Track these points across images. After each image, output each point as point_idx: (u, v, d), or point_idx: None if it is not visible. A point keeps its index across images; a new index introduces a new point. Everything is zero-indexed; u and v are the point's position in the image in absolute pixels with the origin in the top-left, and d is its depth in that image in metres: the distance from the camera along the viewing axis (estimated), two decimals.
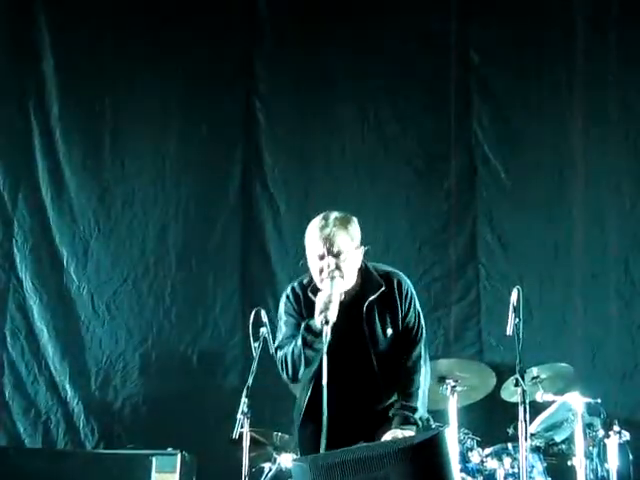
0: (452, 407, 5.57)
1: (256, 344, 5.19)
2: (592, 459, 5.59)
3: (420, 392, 4.17)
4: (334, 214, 4.13)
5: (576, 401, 5.41)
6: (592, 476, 5.54)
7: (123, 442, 6.42)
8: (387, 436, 3.98)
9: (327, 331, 3.93)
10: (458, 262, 6.91)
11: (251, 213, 7.09)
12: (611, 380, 6.41)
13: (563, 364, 5.79)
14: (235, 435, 4.87)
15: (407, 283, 4.24)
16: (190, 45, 7.18)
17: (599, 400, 5.52)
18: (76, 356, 6.87)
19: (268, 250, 6.98)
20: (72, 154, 7.16)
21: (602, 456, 5.60)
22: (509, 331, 4.79)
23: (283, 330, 4.28)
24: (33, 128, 7.16)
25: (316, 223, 4.11)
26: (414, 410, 4.10)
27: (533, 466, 5.61)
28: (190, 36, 7.19)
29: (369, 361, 4.14)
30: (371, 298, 4.15)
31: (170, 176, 7.11)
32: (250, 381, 5.04)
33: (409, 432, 3.98)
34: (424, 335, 4.29)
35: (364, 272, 4.20)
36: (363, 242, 4.16)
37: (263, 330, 5.24)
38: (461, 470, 5.51)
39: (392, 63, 7.12)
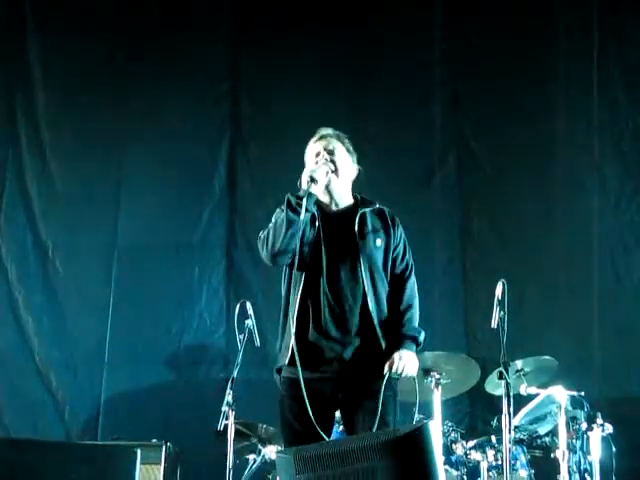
0: (436, 399, 5.57)
1: (241, 336, 5.23)
2: (575, 451, 5.61)
3: (415, 321, 4.32)
4: (330, 129, 4.32)
5: (560, 394, 5.44)
6: (575, 468, 5.57)
7: (108, 434, 6.43)
8: (394, 358, 4.11)
9: (311, 190, 4.05)
10: (444, 256, 6.93)
11: (236, 206, 7.08)
12: (595, 373, 6.44)
13: (547, 357, 5.81)
14: (220, 427, 4.90)
15: (398, 220, 4.38)
16: (175, 43, 7.19)
17: (583, 393, 5.56)
18: (62, 348, 6.86)
19: (254, 243, 6.97)
20: (58, 144, 7.13)
21: (585, 449, 5.62)
22: (494, 324, 4.82)
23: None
24: (18, 118, 7.15)
25: (314, 136, 4.31)
26: (415, 335, 4.26)
27: (516, 458, 5.64)
28: (174, 36, 7.20)
29: (357, 266, 4.17)
30: (365, 210, 4.27)
31: (156, 169, 7.09)
32: (235, 373, 5.07)
33: (409, 352, 4.17)
34: (413, 268, 4.39)
35: (359, 196, 4.34)
36: None
37: (248, 322, 5.27)
38: (445, 462, 5.53)
39: (377, 59, 7.13)
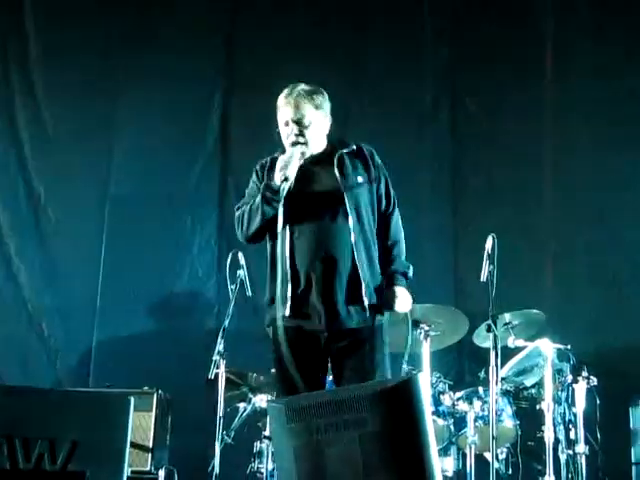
0: (425, 351, 5.64)
1: (233, 286, 5.27)
2: (560, 403, 5.70)
3: (403, 255, 4.36)
4: (301, 85, 4.24)
5: (546, 347, 5.51)
6: (560, 420, 5.66)
7: (100, 382, 6.48)
8: (388, 294, 4.19)
9: (285, 187, 4.05)
10: (433, 210, 6.95)
11: (229, 157, 7.08)
12: (581, 327, 6.51)
13: (535, 311, 5.86)
14: (211, 375, 4.95)
15: (377, 155, 4.36)
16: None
17: (569, 346, 5.62)
18: (54, 295, 6.87)
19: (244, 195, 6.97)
20: (51, 91, 7.10)
21: (570, 400, 5.70)
22: (483, 278, 4.87)
23: (245, 194, 4.37)
24: (10, 66, 7.11)
25: (284, 91, 4.23)
26: (404, 271, 4.31)
27: (503, 409, 5.72)
28: None
29: (342, 204, 4.16)
30: (343, 151, 4.26)
31: (149, 119, 7.06)
32: (226, 323, 5.12)
33: (402, 288, 4.25)
34: (396, 202, 4.39)
35: (336, 140, 4.32)
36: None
37: (240, 272, 5.31)
38: (433, 412, 5.61)
39: (374, 10, 7.11)
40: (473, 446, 5.57)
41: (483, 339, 5.69)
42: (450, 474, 5.74)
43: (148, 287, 6.86)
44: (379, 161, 4.35)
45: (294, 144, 4.14)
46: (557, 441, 5.57)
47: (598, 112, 6.90)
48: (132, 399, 3.55)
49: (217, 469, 5.00)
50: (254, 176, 4.35)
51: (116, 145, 7.05)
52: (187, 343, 6.58)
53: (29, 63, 7.12)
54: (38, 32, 7.15)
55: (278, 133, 4.26)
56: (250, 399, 5.81)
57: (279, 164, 4.10)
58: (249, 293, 5.31)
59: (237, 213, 4.32)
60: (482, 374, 5.71)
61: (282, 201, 4.05)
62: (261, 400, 5.72)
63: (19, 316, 6.83)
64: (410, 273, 4.35)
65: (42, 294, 6.88)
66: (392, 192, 4.38)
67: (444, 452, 5.71)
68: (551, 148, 6.95)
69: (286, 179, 4.05)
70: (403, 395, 3.23)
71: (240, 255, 5.33)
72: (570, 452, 5.62)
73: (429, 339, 5.68)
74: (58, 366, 6.76)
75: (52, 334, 6.80)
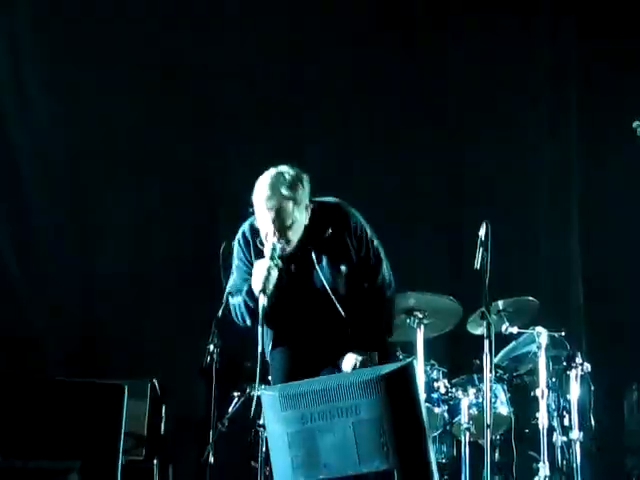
0: (419, 339, 5.65)
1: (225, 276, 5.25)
2: (554, 390, 5.72)
3: (382, 316, 4.22)
4: (281, 179, 4.07)
5: (540, 334, 5.51)
6: (554, 406, 5.67)
7: (93, 371, 6.48)
8: (345, 363, 4.06)
9: (264, 301, 4.00)
10: (426, 199, 6.95)
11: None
12: (575, 313, 6.52)
13: (529, 298, 5.87)
14: (205, 364, 4.94)
15: (354, 216, 4.22)
16: None
17: (563, 333, 5.64)
18: (46, 286, 6.84)
19: (237, 182, 6.93)
20: (41, 77, 6.99)
21: (564, 387, 5.72)
22: (477, 265, 4.86)
23: (234, 275, 4.32)
24: None
25: (263, 189, 4.07)
26: (371, 335, 4.14)
27: (497, 396, 5.73)
28: None
29: (330, 301, 4.14)
30: (319, 242, 4.15)
31: (142, 99, 6.94)
32: (220, 312, 5.09)
33: (361, 357, 4.04)
34: (383, 261, 4.27)
35: (310, 216, 4.16)
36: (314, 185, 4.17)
37: None
38: (427, 400, 5.61)
39: None
40: (467, 433, 5.58)
41: (477, 326, 5.69)
42: (445, 461, 5.76)
43: (141, 277, 6.81)
44: (362, 230, 4.22)
45: (272, 258, 4.04)
46: (551, 428, 5.59)
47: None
48: (126, 388, 3.55)
49: (212, 458, 5.00)
50: (238, 251, 4.28)
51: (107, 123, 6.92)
52: (181, 332, 6.58)
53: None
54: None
55: (252, 212, 4.15)
56: (245, 388, 5.81)
57: (256, 275, 4.03)
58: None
59: (230, 301, 4.31)
60: (476, 361, 5.70)
61: (262, 314, 4.02)
62: (256, 388, 5.70)
63: (11, 307, 6.78)
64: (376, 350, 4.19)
65: (34, 285, 6.83)
66: (376, 253, 4.26)
67: (439, 439, 5.73)
68: (544, 135, 6.95)
69: (264, 292, 4.01)
70: (396, 382, 3.23)
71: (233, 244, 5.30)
72: (564, 438, 5.63)
73: (423, 327, 5.68)
74: (49, 356, 6.73)
75: (45, 325, 6.76)
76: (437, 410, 5.71)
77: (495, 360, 5.54)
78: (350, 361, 4.06)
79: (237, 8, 7.05)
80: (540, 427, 5.37)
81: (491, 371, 4.84)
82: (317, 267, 4.14)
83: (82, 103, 6.83)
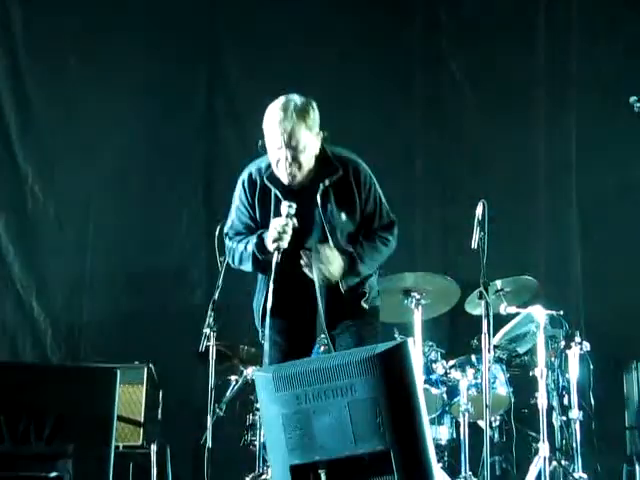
0: (417, 320, 5.62)
1: (222, 258, 5.21)
2: (553, 370, 5.70)
3: (375, 247, 4.20)
4: (292, 104, 4.05)
5: (539, 313, 5.49)
6: (553, 386, 5.66)
7: (90, 357, 6.47)
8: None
9: (277, 258, 3.99)
10: (423, 178, 6.92)
11: (216, 129, 7.01)
12: (574, 293, 6.49)
13: (527, 277, 5.85)
14: (202, 348, 4.91)
15: (364, 169, 4.21)
16: None
17: (561, 312, 5.61)
18: (42, 273, 6.83)
19: (234, 166, 6.90)
20: (37, 72, 7.00)
21: (563, 367, 5.71)
22: (474, 245, 4.83)
23: (233, 216, 4.31)
24: None
25: (275, 113, 4.05)
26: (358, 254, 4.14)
27: (496, 377, 5.72)
28: None
29: (325, 239, 4.12)
30: (326, 183, 4.12)
31: (135, 95, 6.98)
32: (216, 295, 5.07)
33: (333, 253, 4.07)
34: (390, 217, 4.28)
35: (321, 156, 4.15)
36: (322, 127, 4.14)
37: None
38: (425, 381, 5.61)
39: None
40: (467, 414, 5.56)
41: (475, 306, 5.67)
42: (444, 442, 5.74)
43: (137, 262, 6.81)
44: (367, 181, 4.20)
45: (288, 216, 4.01)
46: (551, 407, 5.58)
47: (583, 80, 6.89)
48: (118, 372, 3.52)
49: (209, 442, 4.96)
50: (241, 193, 4.25)
51: (103, 120, 6.95)
52: (177, 317, 6.56)
53: (15, 40, 7.00)
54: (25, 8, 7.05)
55: (263, 145, 4.12)
56: (241, 372, 5.80)
57: (271, 232, 4.01)
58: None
59: (227, 242, 4.30)
60: (474, 342, 5.69)
61: (274, 272, 4.00)
62: (252, 372, 5.69)
63: (8, 294, 6.78)
64: (360, 268, 4.19)
65: (31, 273, 6.82)
66: (384, 209, 4.26)
67: (438, 421, 5.71)
68: (543, 114, 6.91)
69: (279, 250, 4.00)
70: (392, 361, 3.19)
71: None
72: (564, 418, 5.63)
73: (420, 307, 5.65)
74: (48, 344, 6.72)
75: (42, 311, 6.75)
76: (436, 391, 5.69)
77: (494, 340, 5.51)
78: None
79: None
80: (539, 407, 5.34)
81: (490, 351, 4.80)
82: (320, 208, 4.11)
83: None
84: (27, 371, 3.69)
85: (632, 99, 4.64)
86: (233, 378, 5.84)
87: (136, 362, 5.89)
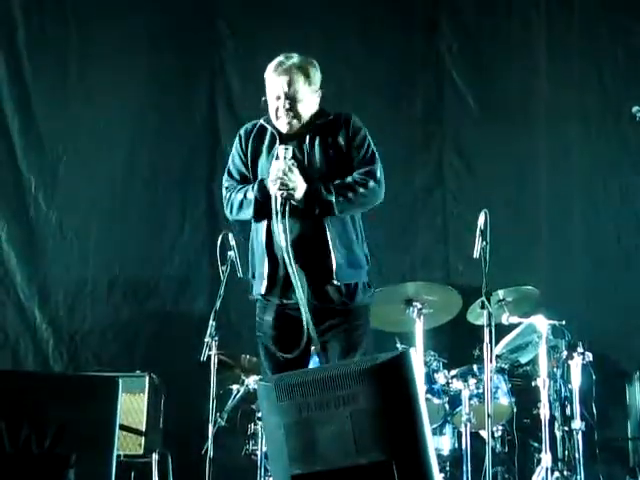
0: (419, 329, 5.61)
1: (224, 268, 5.22)
2: (556, 380, 5.69)
3: (352, 187, 4.11)
4: (295, 56, 4.19)
5: (541, 323, 5.48)
6: (555, 396, 5.64)
7: (92, 366, 6.47)
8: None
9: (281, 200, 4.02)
10: (424, 188, 6.92)
11: (218, 137, 7.02)
12: (576, 302, 6.48)
13: (529, 287, 5.84)
14: (203, 358, 4.91)
15: (357, 119, 4.25)
16: None
17: (564, 322, 5.60)
18: (44, 282, 6.82)
19: None
20: (39, 76, 7.02)
21: (565, 377, 5.70)
22: (476, 254, 4.82)
23: (230, 166, 4.34)
24: None
25: (276, 64, 4.18)
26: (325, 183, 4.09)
27: (498, 387, 5.70)
28: None
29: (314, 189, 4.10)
30: (316, 122, 4.18)
31: (137, 100, 7.00)
32: (218, 304, 5.07)
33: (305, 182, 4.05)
34: (376, 157, 4.23)
35: (318, 112, 4.24)
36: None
37: (230, 254, 5.26)
38: (427, 391, 5.59)
39: None
40: (468, 424, 5.54)
41: (477, 316, 5.66)
42: (446, 453, 5.72)
43: (139, 271, 6.82)
44: (357, 125, 4.23)
45: (286, 158, 4.03)
46: (553, 418, 5.57)
47: (585, 90, 6.89)
48: (120, 381, 3.51)
49: (211, 452, 4.97)
50: (237, 144, 4.31)
51: (104, 129, 6.97)
52: (179, 326, 6.57)
53: (18, 48, 7.02)
54: (26, 18, 7.06)
55: (265, 101, 4.21)
56: (243, 381, 5.78)
57: (273, 173, 4.02)
58: (240, 274, 5.26)
59: (225, 194, 4.30)
60: (476, 352, 5.67)
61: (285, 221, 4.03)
62: (254, 382, 5.68)
63: (9, 303, 6.77)
64: (332, 198, 4.10)
65: (32, 281, 6.82)
66: (370, 150, 4.22)
67: (439, 431, 5.69)
68: (544, 121, 6.91)
69: (288, 198, 4.04)
70: (395, 371, 3.19)
71: (230, 236, 5.28)
72: (566, 428, 5.62)
73: (422, 317, 5.64)
74: (50, 353, 6.71)
75: (43, 321, 6.75)
76: (437, 401, 5.67)
77: (496, 350, 5.50)
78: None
79: None
80: (542, 417, 5.33)
81: (491, 361, 4.80)
82: (307, 150, 4.14)
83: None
84: (29, 379, 3.68)
85: (635, 109, 4.66)
86: (235, 387, 5.83)
87: (138, 371, 5.90)
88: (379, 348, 4.93)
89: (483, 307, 4.80)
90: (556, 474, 5.43)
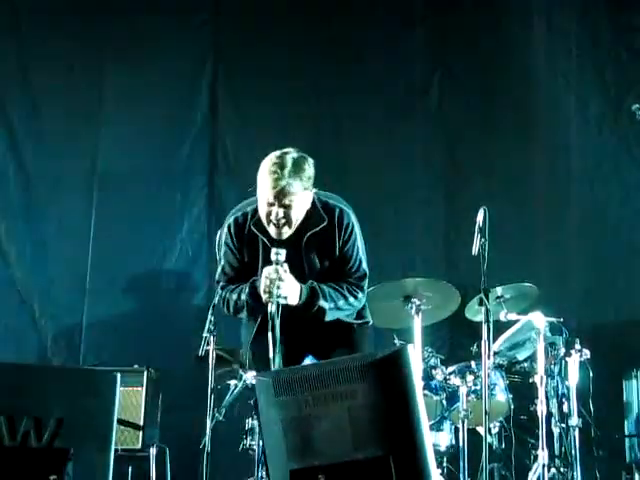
0: (417, 326, 5.62)
1: None
2: (553, 377, 5.69)
3: (333, 295, 4.18)
4: (289, 159, 4.06)
5: (539, 320, 5.47)
6: (553, 393, 5.64)
7: (91, 362, 6.48)
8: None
9: (272, 308, 3.99)
10: (423, 185, 6.92)
11: (218, 133, 7.02)
12: (573, 300, 6.49)
13: (527, 284, 5.85)
14: (201, 353, 4.92)
15: (349, 216, 4.22)
16: None
17: (561, 319, 5.61)
18: (44, 276, 6.84)
19: (236, 171, 6.93)
20: (40, 70, 7.01)
21: (563, 374, 5.70)
22: (474, 251, 4.83)
23: (222, 263, 4.33)
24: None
25: (269, 167, 4.05)
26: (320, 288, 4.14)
27: (495, 383, 5.71)
28: None
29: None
30: (311, 232, 4.15)
31: (137, 96, 7.00)
32: (216, 299, 5.07)
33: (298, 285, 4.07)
34: (363, 270, 4.28)
35: (310, 208, 4.18)
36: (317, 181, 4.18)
37: None
38: (425, 387, 5.60)
39: None
40: (466, 420, 5.55)
41: (475, 313, 5.68)
42: (443, 449, 5.73)
43: (138, 266, 6.83)
44: (352, 231, 4.22)
45: (278, 263, 4.04)
46: (550, 414, 5.56)
47: (585, 87, 6.89)
48: (118, 375, 3.51)
49: (209, 447, 4.98)
50: (227, 238, 4.28)
51: (104, 124, 6.98)
52: (177, 321, 6.58)
53: (21, 41, 7.02)
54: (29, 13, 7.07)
55: (255, 189, 4.14)
56: (241, 376, 5.77)
57: (264, 281, 4.02)
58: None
59: (220, 293, 4.33)
60: (474, 348, 5.69)
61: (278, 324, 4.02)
62: (252, 377, 5.67)
63: (10, 297, 6.78)
64: (321, 303, 4.18)
65: (32, 275, 6.83)
66: (359, 258, 4.26)
67: (437, 427, 5.70)
68: (543, 122, 6.92)
69: (270, 298, 4.02)
70: (393, 367, 3.20)
71: None
72: (563, 425, 5.61)
73: (420, 313, 5.65)
74: (49, 347, 6.73)
75: (43, 315, 6.76)
76: (435, 398, 5.68)
77: (493, 347, 5.51)
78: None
79: None
80: (539, 414, 5.33)
81: (489, 358, 4.81)
82: (304, 256, 4.15)
83: None
84: (27, 373, 3.67)
85: (634, 107, 4.67)
86: (232, 382, 5.82)
87: (136, 365, 5.90)
88: (377, 344, 4.96)
89: (481, 304, 4.82)
90: (553, 470, 5.44)
